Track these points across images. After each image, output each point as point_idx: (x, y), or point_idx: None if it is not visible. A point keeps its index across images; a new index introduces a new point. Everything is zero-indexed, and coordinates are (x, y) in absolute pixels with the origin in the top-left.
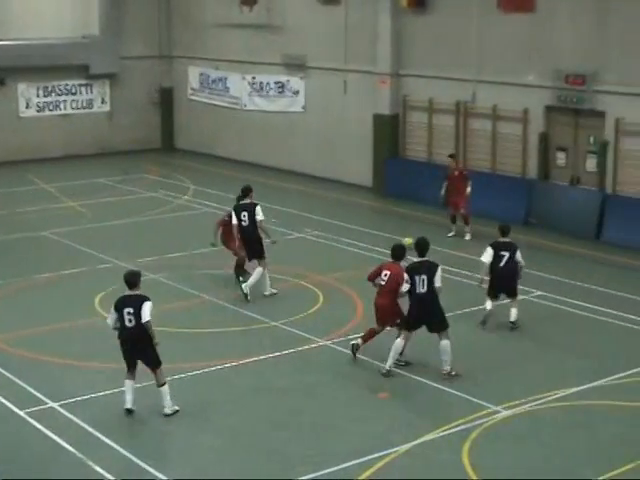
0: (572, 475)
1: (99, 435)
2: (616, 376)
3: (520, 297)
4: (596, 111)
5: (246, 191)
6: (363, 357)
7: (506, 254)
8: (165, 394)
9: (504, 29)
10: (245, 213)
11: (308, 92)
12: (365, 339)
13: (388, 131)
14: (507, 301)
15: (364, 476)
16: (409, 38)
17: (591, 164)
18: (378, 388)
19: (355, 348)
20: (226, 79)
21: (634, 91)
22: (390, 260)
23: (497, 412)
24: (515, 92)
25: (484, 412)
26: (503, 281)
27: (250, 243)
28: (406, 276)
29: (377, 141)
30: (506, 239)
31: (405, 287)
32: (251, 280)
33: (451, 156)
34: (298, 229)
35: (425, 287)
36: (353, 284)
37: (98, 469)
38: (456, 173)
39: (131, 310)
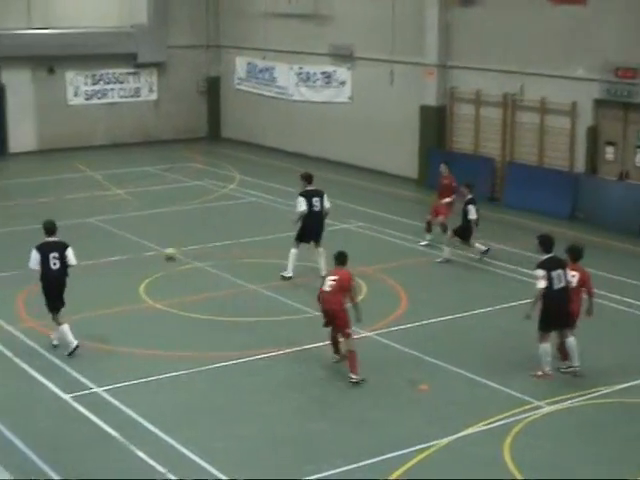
0: (613, 474)
1: (142, 421)
2: None
3: None
4: None
5: (310, 178)
6: (404, 349)
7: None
8: (67, 331)
9: (553, 21)
10: (317, 199)
11: (355, 82)
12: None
13: (434, 123)
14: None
15: (402, 470)
16: (457, 30)
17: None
18: (418, 381)
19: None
20: (273, 69)
21: None
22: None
23: (539, 407)
24: (563, 85)
25: (526, 407)
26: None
27: (318, 228)
28: (542, 273)
29: (423, 133)
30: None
31: (543, 284)
32: (323, 264)
33: (445, 163)
34: (342, 220)
35: (563, 282)
36: (397, 276)
37: (141, 454)
38: (445, 182)
39: (56, 254)
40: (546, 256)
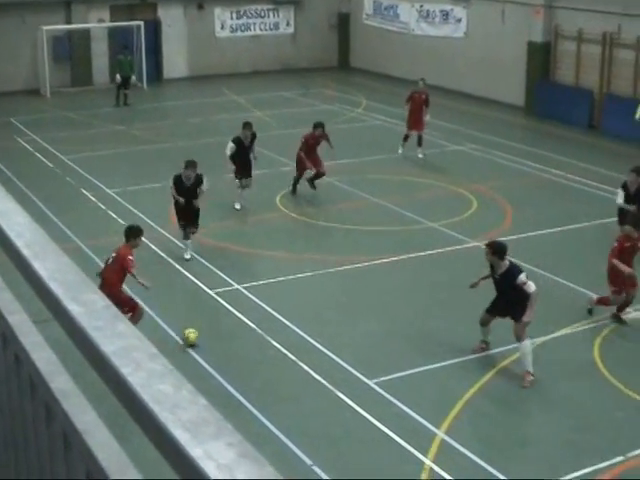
0: None
1: (277, 315)
2: None
3: None
4: None
5: None
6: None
7: None
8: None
9: None
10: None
11: (470, 20)
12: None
13: (540, 57)
14: None
15: (505, 362)
16: None
17: None
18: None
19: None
20: (397, 7)
21: None
22: None
23: (627, 312)
24: None
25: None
26: None
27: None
28: None
29: (530, 66)
30: None
31: None
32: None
33: (422, 80)
34: (457, 142)
35: None
36: (504, 192)
37: (276, 344)
38: (423, 97)
39: None
40: None
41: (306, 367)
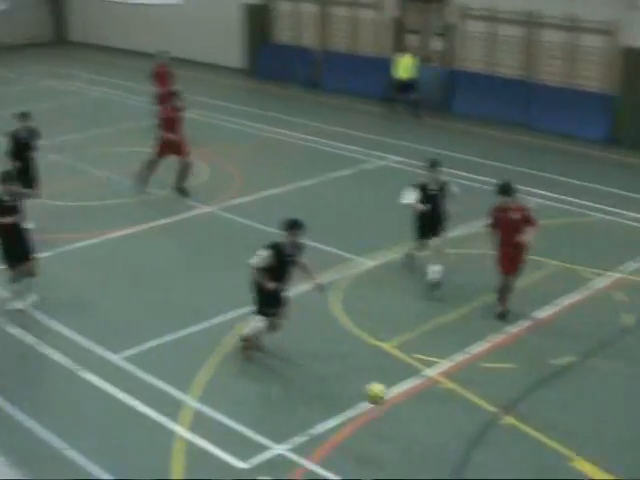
0: (427, 312)
1: None
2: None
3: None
4: None
5: None
6: (246, 221)
7: None
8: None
9: None
10: None
11: None
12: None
13: (258, 19)
14: None
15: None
16: None
17: (437, 44)
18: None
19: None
20: None
21: None
22: None
23: (364, 263)
24: None
25: (351, 263)
26: None
27: None
28: None
29: (249, 29)
30: None
31: None
32: None
33: (164, 52)
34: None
35: None
36: (232, 156)
37: (11, 330)
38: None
39: None
40: None
41: (50, 349)
